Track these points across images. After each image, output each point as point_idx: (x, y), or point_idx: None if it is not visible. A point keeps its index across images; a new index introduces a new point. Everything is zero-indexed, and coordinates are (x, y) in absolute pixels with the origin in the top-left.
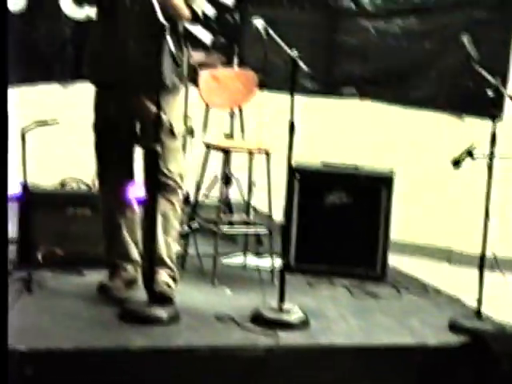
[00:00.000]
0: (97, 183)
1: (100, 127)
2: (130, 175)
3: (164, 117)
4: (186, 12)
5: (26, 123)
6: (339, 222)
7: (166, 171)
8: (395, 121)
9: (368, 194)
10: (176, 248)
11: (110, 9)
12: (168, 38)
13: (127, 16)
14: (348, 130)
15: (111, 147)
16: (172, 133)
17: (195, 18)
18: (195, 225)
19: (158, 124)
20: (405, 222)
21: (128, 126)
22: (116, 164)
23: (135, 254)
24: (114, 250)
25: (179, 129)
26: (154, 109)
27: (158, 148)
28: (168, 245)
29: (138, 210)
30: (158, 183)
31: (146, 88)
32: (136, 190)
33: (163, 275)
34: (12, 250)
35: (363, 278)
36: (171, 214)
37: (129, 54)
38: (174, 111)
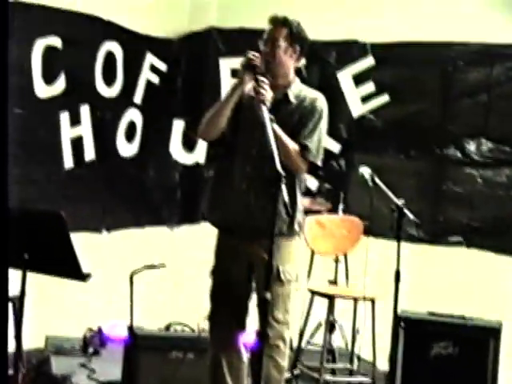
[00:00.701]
0: (207, 326)
1: (217, 272)
2: (242, 323)
3: (274, 262)
4: (303, 167)
5: (133, 265)
6: (445, 372)
7: (272, 321)
8: (502, 270)
9: (475, 345)
10: None
11: (228, 154)
12: (283, 187)
13: (244, 161)
14: (454, 279)
15: (227, 293)
16: (279, 279)
17: (313, 170)
18: (297, 371)
19: (269, 271)
20: None
21: (244, 273)
22: (229, 310)
23: None
24: None
25: (289, 275)
26: (265, 255)
27: (268, 296)
28: None
29: (245, 358)
30: (264, 335)
31: (259, 234)
32: (247, 337)
33: None
34: None
35: None
36: (274, 371)
37: (243, 200)
38: (284, 256)
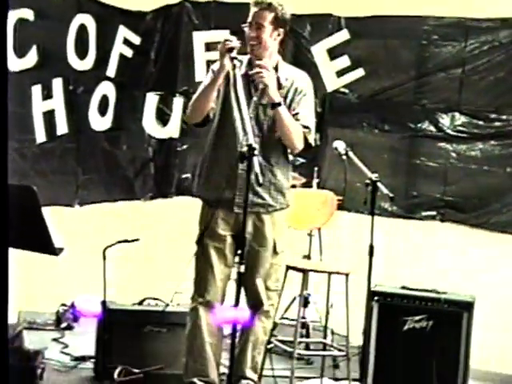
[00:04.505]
0: (180, 300)
1: (204, 241)
2: (225, 294)
3: (268, 234)
4: (300, 146)
5: (106, 239)
6: (418, 346)
7: (265, 290)
8: (476, 244)
9: (448, 319)
10: (260, 359)
11: (218, 132)
12: (255, 159)
13: (230, 139)
14: (428, 253)
15: (215, 261)
16: (275, 251)
17: (307, 148)
18: (271, 345)
19: (242, 243)
20: (484, 349)
21: (233, 243)
22: (217, 279)
23: (215, 375)
24: (193, 368)
25: (283, 246)
26: (258, 226)
27: (242, 269)
28: (253, 359)
29: (225, 331)
30: (255, 301)
31: (250, 206)
32: (229, 310)
33: None
34: (89, 368)
35: None
36: (261, 333)
37: (233, 175)
38: (279, 229)
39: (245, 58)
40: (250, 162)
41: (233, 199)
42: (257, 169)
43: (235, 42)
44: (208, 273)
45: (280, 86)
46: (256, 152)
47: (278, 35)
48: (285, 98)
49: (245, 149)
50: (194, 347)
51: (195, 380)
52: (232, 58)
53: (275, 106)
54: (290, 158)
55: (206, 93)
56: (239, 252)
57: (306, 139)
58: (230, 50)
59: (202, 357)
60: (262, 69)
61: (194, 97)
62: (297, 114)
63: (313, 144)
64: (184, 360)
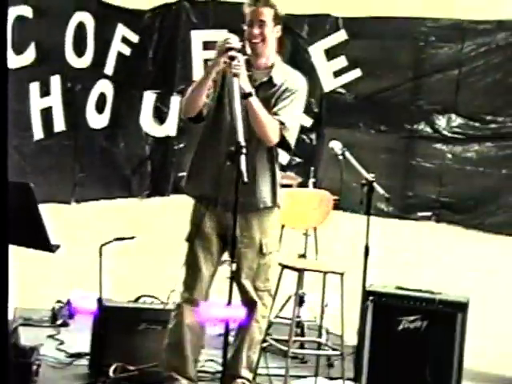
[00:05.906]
0: (176, 298)
1: (193, 239)
2: (209, 292)
3: (254, 235)
4: (274, 139)
5: (103, 237)
6: (412, 346)
7: (252, 290)
8: (471, 245)
9: (443, 319)
10: (255, 358)
11: (211, 128)
12: (242, 157)
13: (221, 135)
14: (423, 253)
15: (201, 259)
16: (261, 252)
17: (284, 146)
18: (266, 344)
19: (233, 242)
20: (478, 350)
21: (220, 242)
22: (203, 277)
23: (192, 371)
24: (171, 364)
25: (271, 246)
26: (243, 226)
27: (234, 267)
28: (248, 358)
29: (207, 329)
30: (247, 300)
31: (237, 206)
32: (213, 307)
33: None
34: (84, 364)
35: None
36: (257, 333)
37: (219, 173)
38: (266, 229)
39: (242, 59)
40: (238, 160)
41: (217, 197)
42: (243, 167)
43: (236, 43)
44: (195, 271)
45: (272, 85)
46: (244, 150)
47: (277, 32)
48: (273, 96)
49: (233, 147)
50: (174, 345)
51: (173, 374)
52: (231, 58)
53: (246, 96)
54: (286, 157)
55: (198, 87)
56: (230, 250)
57: (283, 137)
58: (229, 49)
59: (180, 355)
60: (236, 60)
61: (188, 91)
62: (277, 110)
63: (291, 143)
64: (164, 354)
